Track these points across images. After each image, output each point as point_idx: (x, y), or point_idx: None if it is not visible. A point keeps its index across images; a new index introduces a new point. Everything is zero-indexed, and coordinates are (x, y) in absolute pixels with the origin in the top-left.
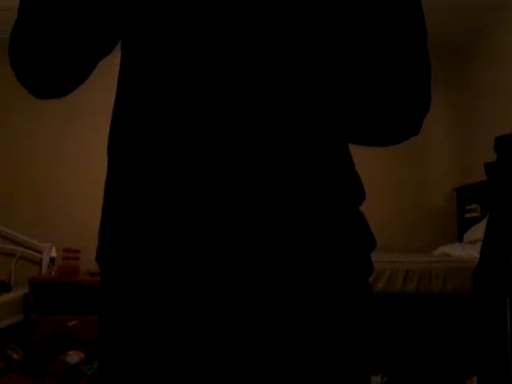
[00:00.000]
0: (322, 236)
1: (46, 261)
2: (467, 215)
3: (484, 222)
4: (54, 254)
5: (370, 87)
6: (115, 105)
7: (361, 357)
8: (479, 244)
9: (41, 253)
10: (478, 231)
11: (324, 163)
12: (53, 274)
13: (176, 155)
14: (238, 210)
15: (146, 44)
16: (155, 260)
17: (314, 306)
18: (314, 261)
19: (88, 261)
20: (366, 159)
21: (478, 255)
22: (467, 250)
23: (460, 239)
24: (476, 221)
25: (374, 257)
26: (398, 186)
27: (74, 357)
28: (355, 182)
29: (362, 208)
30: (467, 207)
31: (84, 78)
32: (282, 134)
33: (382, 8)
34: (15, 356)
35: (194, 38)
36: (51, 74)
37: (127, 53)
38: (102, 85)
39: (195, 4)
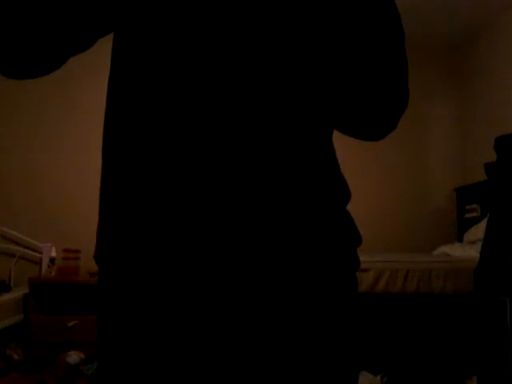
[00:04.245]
0: (313, 234)
1: (45, 261)
2: (467, 215)
3: (484, 222)
4: (53, 253)
5: (354, 87)
6: (107, 105)
7: (350, 349)
8: (479, 244)
9: (41, 253)
10: (478, 231)
11: (314, 168)
12: (53, 274)
13: (171, 154)
14: (232, 210)
15: (140, 43)
16: (152, 259)
17: (306, 300)
18: (306, 258)
19: (88, 261)
20: (366, 160)
21: (477, 255)
22: (467, 250)
23: (460, 239)
24: (476, 221)
25: (375, 257)
26: (398, 186)
27: (74, 357)
28: (341, 184)
29: (363, 208)
30: (467, 207)
31: (54, 68)
32: (277, 138)
33: (363, 17)
34: (15, 356)
35: (189, 37)
36: (21, 56)
37: (120, 52)
38: (103, 84)
39: (192, 4)
